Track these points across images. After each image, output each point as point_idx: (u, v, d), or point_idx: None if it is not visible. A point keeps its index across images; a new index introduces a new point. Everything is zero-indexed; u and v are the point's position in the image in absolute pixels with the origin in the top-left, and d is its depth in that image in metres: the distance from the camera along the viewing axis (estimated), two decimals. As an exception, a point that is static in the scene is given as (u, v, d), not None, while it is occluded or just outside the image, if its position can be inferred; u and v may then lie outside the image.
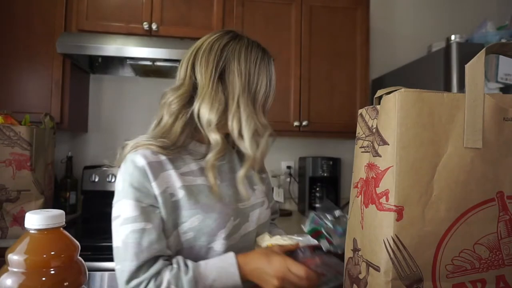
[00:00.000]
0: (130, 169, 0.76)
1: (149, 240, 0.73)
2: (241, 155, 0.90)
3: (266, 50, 0.89)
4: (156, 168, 0.77)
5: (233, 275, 0.74)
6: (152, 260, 0.73)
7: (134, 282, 0.71)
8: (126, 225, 0.73)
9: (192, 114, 0.81)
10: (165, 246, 0.75)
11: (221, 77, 0.81)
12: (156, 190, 0.75)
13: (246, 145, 0.81)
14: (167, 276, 0.71)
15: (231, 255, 0.76)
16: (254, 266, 0.75)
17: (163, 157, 0.79)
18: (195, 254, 0.79)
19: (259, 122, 0.82)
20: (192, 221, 0.77)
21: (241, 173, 0.84)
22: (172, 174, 0.78)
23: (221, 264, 0.75)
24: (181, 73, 0.85)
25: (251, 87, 0.82)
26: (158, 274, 0.72)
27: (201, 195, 0.80)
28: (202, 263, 0.76)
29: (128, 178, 0.76)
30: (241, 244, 0.84)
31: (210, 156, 0.81)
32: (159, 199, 0.76)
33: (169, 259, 0.76)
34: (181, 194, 0.78)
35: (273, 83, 0.88)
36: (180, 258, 0.76)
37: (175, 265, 0.73)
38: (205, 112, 0.79)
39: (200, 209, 0.78)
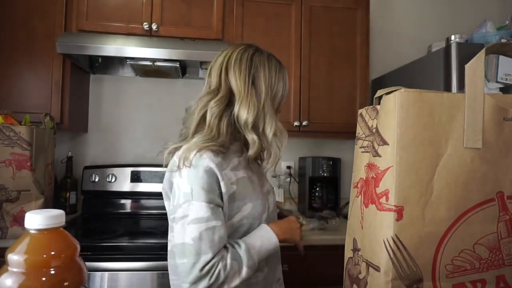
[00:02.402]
0: (200, 172, 0.85)
1: (219, 236, 0.84)
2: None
3: (280, 61, 1.02)
4: (221, 169, 0.87)
5: (272, 237, 0.92)
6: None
7: (207, 267, 0.82)
8: (199, 224, 0.83)
9: (231, 115, 0.93)
10: (227, 237, 0.88)
11: (253, 83, 0.94)
12: (223, 188, 0.87)
13: (267, 142, 0.93)
14: (228, 255, 0.84)
15: (263, 225, 0.94)
16: (281, 227, 0.97)
17: (220, 158, 0.89)
18: (244, 235, 0.93)
19: (277, 123, 0.95)
20: (244, 210, 0.91)
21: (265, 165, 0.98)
22: (228, 172, 0.90)
23: (260, 233, 0.92)
24: (213, 79, 0.97)
25: (272, 93, 0.96)
26: (222, 257, 0.84)
27: (245, 186, 0.93)
28: (245, 238, 0.91)
29: (198, 182, 0.85)
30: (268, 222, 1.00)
31: (252, 153, 0.93)
32: (225, 196, 0.87)
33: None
34: (235, 187, 0.90)
35: (287, 89, 1.02)
36: (229, 241, 0.89)
37: (229, 246, 0.87)
38: (243, 113, 0.91)
39: (248, 198, 0.92)
